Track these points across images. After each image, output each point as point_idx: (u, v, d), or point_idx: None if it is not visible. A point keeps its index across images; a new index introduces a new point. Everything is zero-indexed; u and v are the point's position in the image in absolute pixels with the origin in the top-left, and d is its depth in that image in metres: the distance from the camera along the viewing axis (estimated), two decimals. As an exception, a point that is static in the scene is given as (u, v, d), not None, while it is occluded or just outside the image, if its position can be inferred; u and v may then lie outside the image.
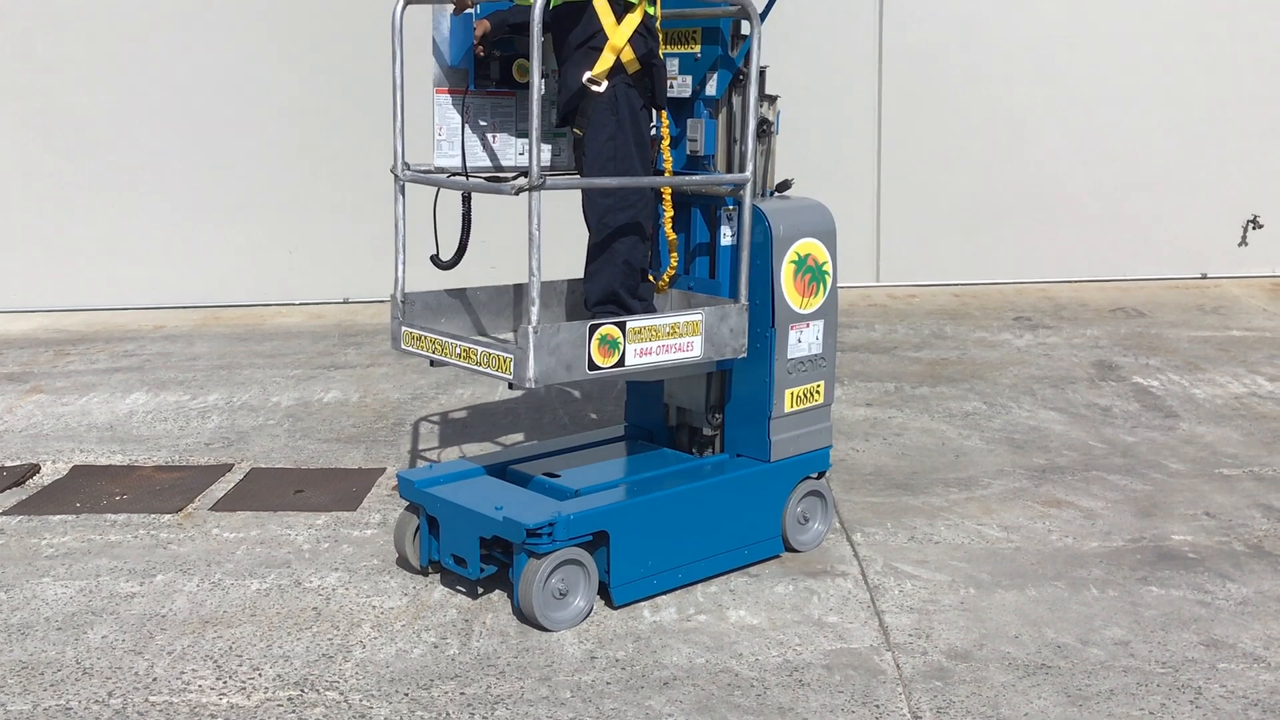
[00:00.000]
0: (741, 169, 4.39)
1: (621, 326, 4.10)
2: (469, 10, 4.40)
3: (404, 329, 4.43)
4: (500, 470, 4.59)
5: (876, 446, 5.89)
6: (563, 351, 3.96)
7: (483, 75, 4.55)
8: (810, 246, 4.64)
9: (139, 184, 9.35)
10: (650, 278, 4.61)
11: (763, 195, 4.78)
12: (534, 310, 3.90)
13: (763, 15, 4.38)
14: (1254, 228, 9.60)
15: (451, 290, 4.72)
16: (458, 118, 4.56)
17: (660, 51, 4.42)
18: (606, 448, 4.95)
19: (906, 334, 8.14)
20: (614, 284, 4.39)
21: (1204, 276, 9.63)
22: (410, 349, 4.41)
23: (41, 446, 6.07)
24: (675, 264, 4.64)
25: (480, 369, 4.10)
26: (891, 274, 9.69)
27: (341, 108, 9.25)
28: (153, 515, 5.10)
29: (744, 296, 4.40)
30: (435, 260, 4.61)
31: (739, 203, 4.40)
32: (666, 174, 4.53)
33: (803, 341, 4.61)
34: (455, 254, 4.63)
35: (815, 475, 4.75)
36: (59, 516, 5.11)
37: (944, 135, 9.49)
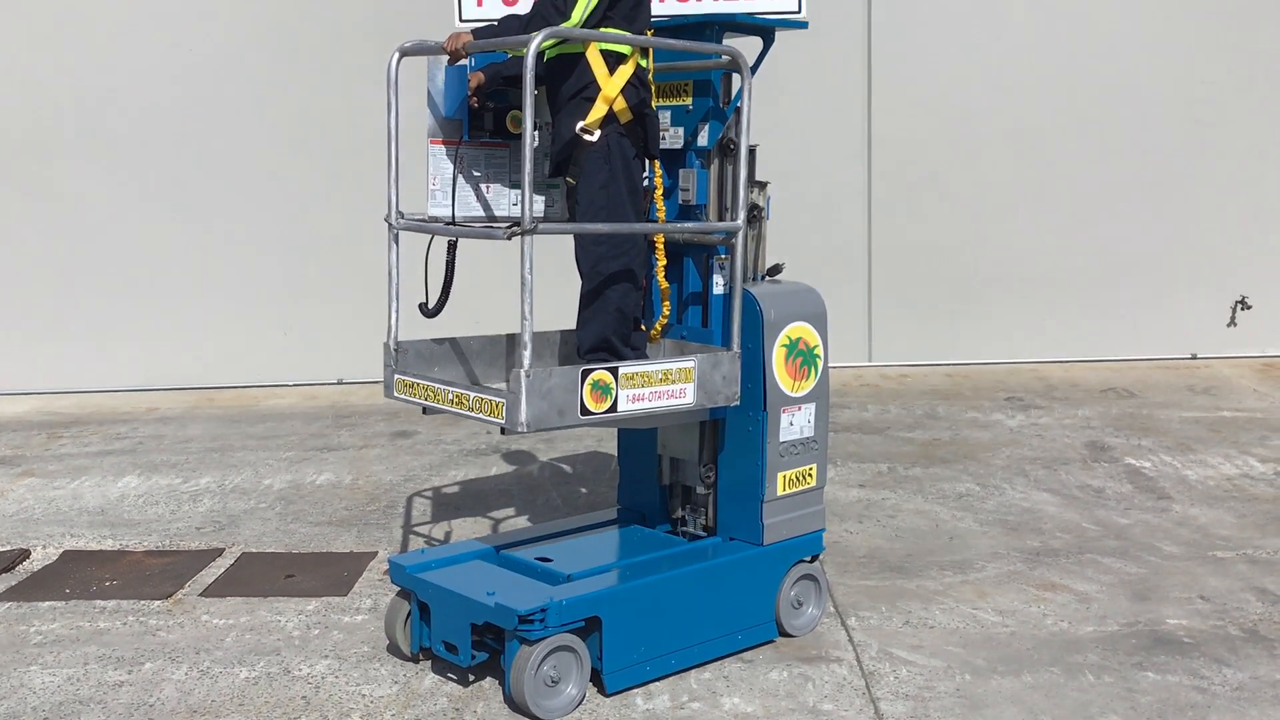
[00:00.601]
0: (734, 217, 4.42)
1: (614, 372, 4.09)
2: (463, 62, 4.45)
3: (396, 376, 4.44)
4: (493, 554, 4.57)
5: (870, 529, 5.88)
6: (555, 396, 3.95)
7: (477, 126, 4.58)
8: (801, 330, 4.67)
9: (134, 267, 9.41)
10: (643, 327, 4.63)
11: (753, 279, 4.82)
12: (526, 354, 3.89)
13: (753, 68, 4.45)
14: (1242, 308, 9.68)
15: (443, 339, 4.73)
16: (450, 167, 4.59)
17: (653, 103, 4.48)
18: (599, 531, 4.94)
19: (899, 414, 8.16)
20: (607, 331, 4.40)
21: (1194, 357, 9.68)
22: (402, 396, 4.41)
23: (32, 531, 6.04)
24: (668, 313, 4.66)
25: (472, 414, 4.08)
26: (883, 354, 9.73)
27: (335, 191, 9.35)
28: (142, 601, 5.07)
29: (736, 344, 4.41)
30: (423, 309, 4.64)
31: (731, 251, 4.43)
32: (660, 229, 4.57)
33: (794, 425, 4.62)
34: (438, 302, 4.63)
35: (809, 558, 4.74)
36: (48, 603, 5.07)
37: (933, 218, 9.59)
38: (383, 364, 4.52)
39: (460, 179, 4.59)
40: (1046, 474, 6.69)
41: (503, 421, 3.96)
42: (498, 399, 3.97)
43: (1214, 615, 4.77)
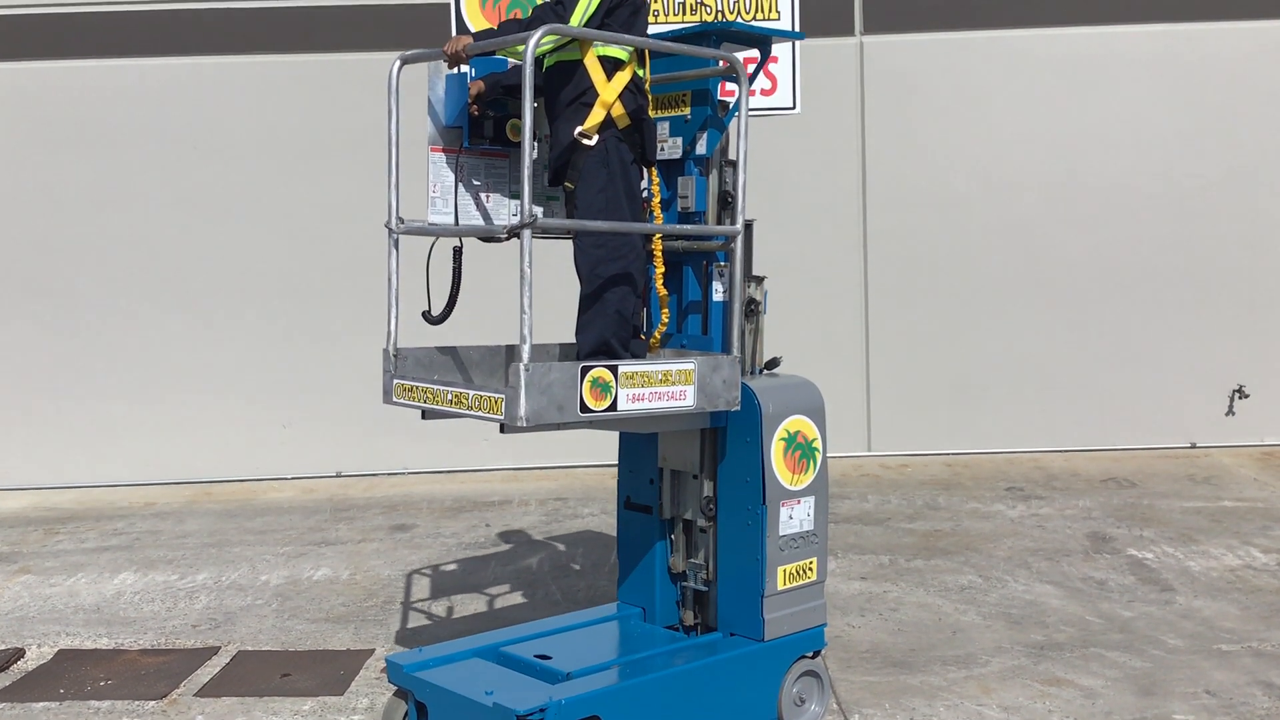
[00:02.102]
0: (732, 222, 4.46)
1: (614, 370, 4.09)
2: (464, 70, 4.51)
3: (395, 381, 4.45)
4: (491, 652, 4.53)
5: (872, 622, 5.83)
6: (554, 391, 3.93)
7: (477, 134, 4.64)
8: (799, 424, 4.68)
9: (134, 361, 9.45)
10: (642, 336, 4.63)
11: (751, 373, 4.85)
12: (525, 349, 3.88)
13: (751, 79, 4.51)
14: (1240, 397, 9.70)
15: (443, 348, 4.72)
16: (451, 176, 4.63)
17: (650, 111, 4.53)
18: (599, 626, 4.89)
19: (899, 505, 8.13)
20: (606, 334, 4.39)
21: (1193, 446, 9.68)
22: (401, 401, 4.41)
23: (27, 630, 5.99)
24: (666, 320, 4.66)
25: (471, 413, 4.07)
26: (883, 443, 9.73)
27: (333, 284, 9.42)
28: (137, 702, 5.01)
29: (736, 349, 4.43)
30: (426, 316, 4.64)
31: (730, 257, 4.44)
32: (658, 235, 4.59)
33: (794, 518, 4.61)
34: (445, 308, 4.64)
35: (810, 654, 4.69)
36: (42, 704, 5.01)
37: (930, 308, 9.65)
38: (382, 370, 4.52)
39: (460, 187, 4.64)
40: (1049, 566, 6.66)
41: (502, 417, 3.93)
42: (496, 395, 3.95)
43: (1221, 711, 4.71)
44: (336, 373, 9.49)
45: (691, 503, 4.82)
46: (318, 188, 9.44)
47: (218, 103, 9.44)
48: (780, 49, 9.45)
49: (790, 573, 4.60)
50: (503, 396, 3.92)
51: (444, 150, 4.63)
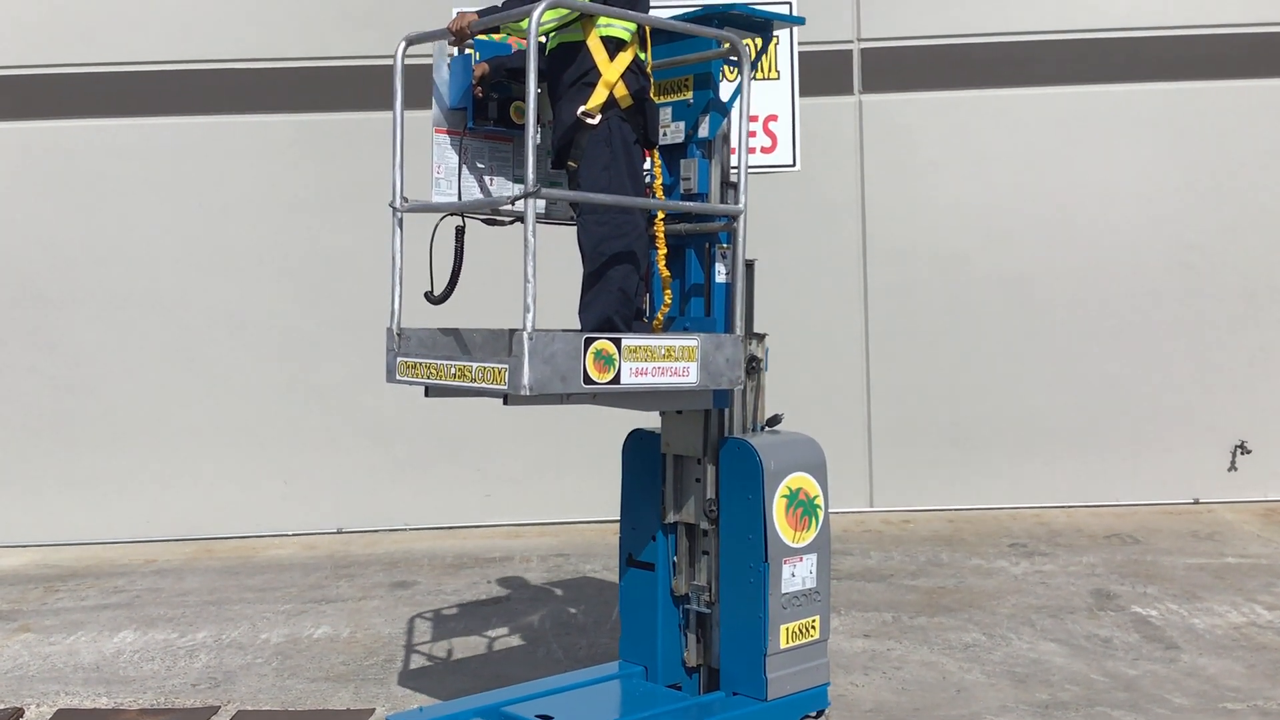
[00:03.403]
0: (735, 202, 4.49)
1: (617, 343, 4.10)
2: (469, 53, 4.56)
3: (399, 359, 4.47)
4: (493, 712, 4.51)
5: (876, 681, 5.79)
6: (558, 361, 3.93)
7: (481, 116, 4.68)
8: (801, 480, 4.69)
9: (136, 418, 9.46)
10: (645, 319, 4.63)
11: (753, 430, 4.86)
12: (529, 317, 3.88)
13: (753, 64, 4.55)
14: (1242, 453, 9.69)
15: (446, 329, 4.73)
16: (455, 158, 4.68)
17: (651, 93, 4.58)
18: (601, 686, 4.87)
19: (902, 561, 8.11)
20: (609, 311, 4.40)
21: (1196, 501, 9.66)
22: (405, 378, 4.44)
23: (26, 689, 5.95)
24: (669, 302, 4.66)
25: (475, 385, 4.07)
26: (885, 499, 9.71)
27: (335, 338, 9.45)
28: (135, 761, 4.97)
29: (739, 328, 4.47)
30: (429, 296, 4.64)
31: (732, 237, 4.47)
32: (660, 218, 4.60)
33: (796, 576, 4.61)
34: (446, 287, 4.65)
35: (814, 714, 4.67)
36: (39, 764, 4.98)
37: (931, 363, 9.67)
38: (385, 349, 4.56)
39: (464, 170, 4.68)
40: (1053, 623, 6.62)
41: (505, 388, 3.94)
42: (500, 365, 3.95)
43: (1228, 770, 4.68)
44: (338, 428, 9.51)
45: (694, 504, 4.80)
46: (319, 243, 9.51)
47: (221, 160, 9.51)
48: (781, 107, 9.57)
49: (793, 631, 4.58)
50: (506, 366, 3.92)
51: (448, 132, 4.69)
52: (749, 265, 4.68)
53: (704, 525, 4.78)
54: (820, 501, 4.73)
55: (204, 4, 9.47)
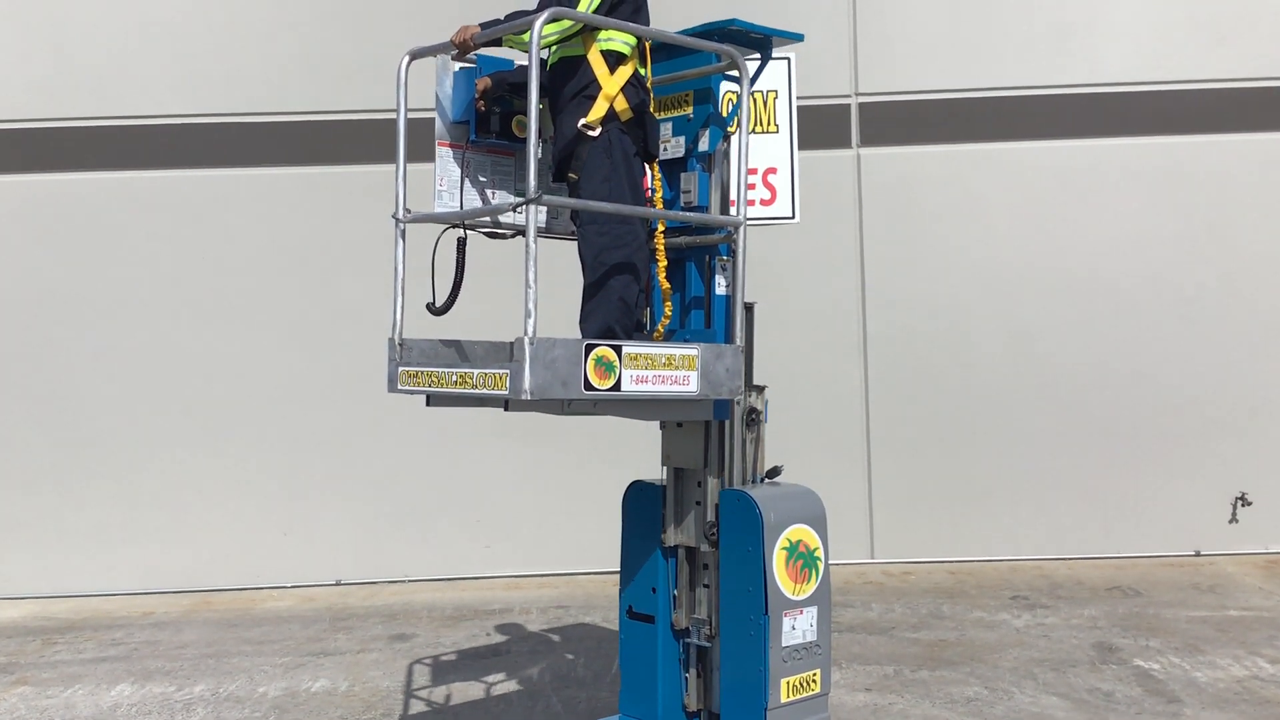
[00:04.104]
0: (738, 213, 4.52)
1: (618, 350, 4.11)
2: (471, 67, 4.62)
3: (400, 369, 4.47)
4: (491, 766, 4.48)
5: (877, 735, 5.76)
6: (559, 367, 3.94)
7: (483, 129, 4.74)
8: (801, 533, 4.68)
9: (135, 469, 9.46)
10: (645, 331, 4.64)
11: (753, 482, 4.87)
12: (530, 322, 3.90)
13: (754, 78, 4.59)
14: (1243, 505, 9.68)
15: (447, 341, 4.75)
16: (458, 171, 4.73)
17: (651, 107, 4.62)
18: (600, 741, 4.84)
19: (904, 613, 8.07)
20: (610, 320, 4.42)
21: (1197, 554, 9.63)
22: (406, 387, 4.44)
23: (21, 742, 5.92)
24: (669, 314, 4.67)
25: (476, 392, 4.07)
26: (886, 550, 9.69)
27: (334, 390, 9.47)
28: (131, 817, 4.94)
29: (739, 339, 4.49)
30: (430, 307, 4.67)
31: (733, 250, 4.48)
32: (660, 230, 4.64)
33: (797, 629, 4.59)
34: (448, 298, 4.68)
35: (815, 768, 4.64)
36: (34, 819, 4.94)
37: (931, 413, 9.68)
38: (387, 358, 4.57)
39: (466, 183, 4.73)
40: (1055, 677, 6.59)
41: (506, 393, 3.94)
42: (501, 371, 3.96)
43: (1232, 826, 4.64)
44: (337, 479, 9.51)
45: (694, 523, 4.80)
46: (321, 294, 9.55)
47: (224, 212, 9.58)
48: (780, 159, 9.63)
49: (794, 685, 4.56)
50: (507, 372, 3.94)
51: (450, 145, 4.74)
52: (749, 308, 4.72)
53: (704, 547, 4.78)
54: (820, 554, 4.73)
55: (207, 57, 9.56)
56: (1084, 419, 9.70)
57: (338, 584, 9.46)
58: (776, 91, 9.81)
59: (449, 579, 9.46)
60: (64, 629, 8.33)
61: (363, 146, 9.52)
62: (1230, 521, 9.72)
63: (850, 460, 9.68)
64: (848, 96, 9.74)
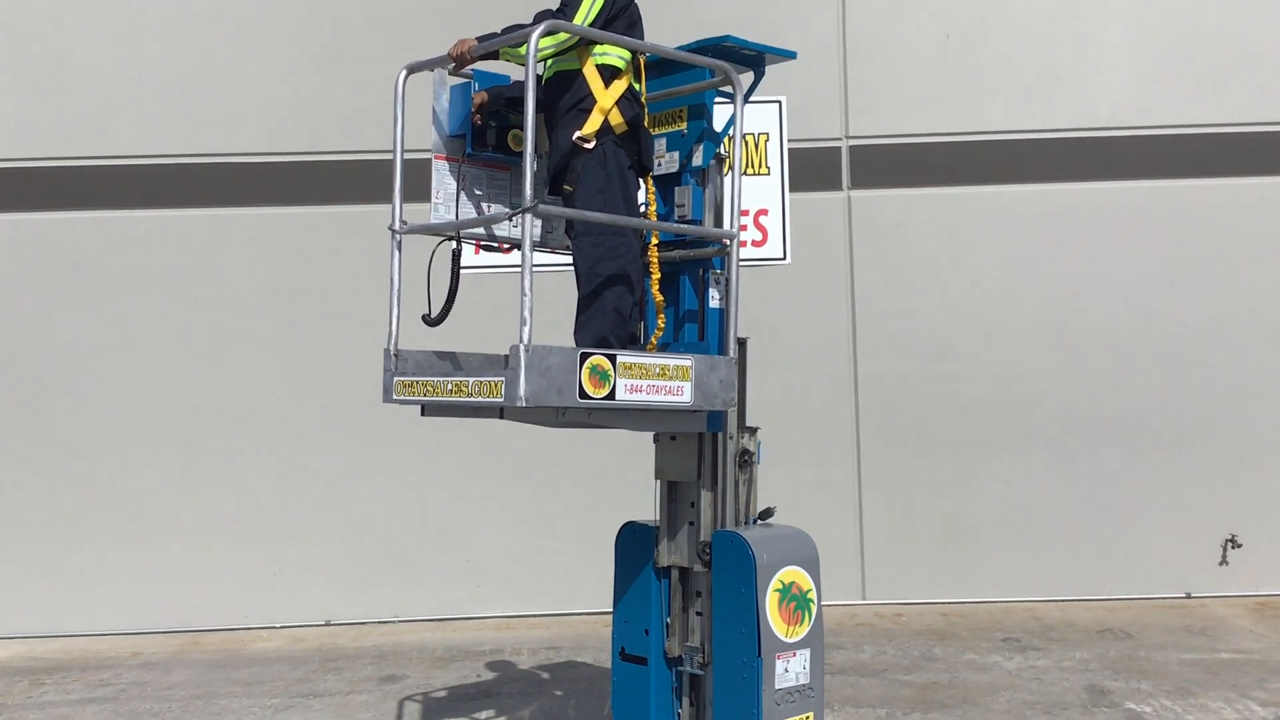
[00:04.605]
0: (732, 226, 4.57)
1: (612, 360, 4.13)
2: (468, 82, 4.68)
3: (395, 379, 4.49)
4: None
5: (869, 778, 5.74)
6: (554, 374, 3.96)
7: (479, 142, 4.80)
8: (794, 574, 4.69)
9: (125, 508, 9.43)
10: (639, 344, 4.67)
11: (745, 523, 4.88)
12: (526, 330, 3.92)
13: (747, 94, 4.63)
14: (1233, 547, 9.69)
15: (441, 353, 4.76)
16: (454, 184, 4.79)
17: (645, 121, 4.67)
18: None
19: (895, 655, 8.06)
20: (605, 330, 4.45)
21: (1188, 596, 9.64)
22: (401, 397, 4.47)
23: (7, 784, 5.87)
24: (663, 326, 4.69)
25: (471, 399, 4.09)
26: (877, 592, 9.67)
27: (325, 429, 9.48)
28: None
29: (732, 350, 4.53)
30: (425, 319, 4.69)
31: (726, 262, 4.53)
32: (654, 243, 4.68)
33: (790, 671, 4.59)
34: (443, 309, 4.70)
35: (807, 812, 4.62)
36: None
37: (922, 455, 9.70)
38: (382, 369, 4.60)
39: (462, 196, 4.77)
40: None
41: (501, 400, 3.95)
42: (496, 379, 3.98)
43: None
44: (327, 518, 9.48)
45: (687, 541, 4.81)
46: (314, 334, 9.56)
47: (217, 252, 9.60)
48: (771, 201, 9.72)
49: (786, 727, 4.56)
50: (503, 379, 3.96)
51: (447, 159, 4.82)
52: (741, 343, 4.75)
53: (697, 568, 4.79)
54: (813, 596, 4.73)
55: (200, 98, 9.61)
56: (1074, 460, 9.73)
57: (327, 624, 9.41)
58: (768, 134, 9.94)
59: (439, 619, 9.43)
60: (52, 669, 8.27)
61: (354, 187, 9.56)
62: (1220, 564, 9.74)
63: (841, 501, 9.68)
64: (838, 139, 9.83)
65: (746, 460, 4.90)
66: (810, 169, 9.71)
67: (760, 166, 9.76)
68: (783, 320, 9.55)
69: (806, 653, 4.65)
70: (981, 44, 9.83)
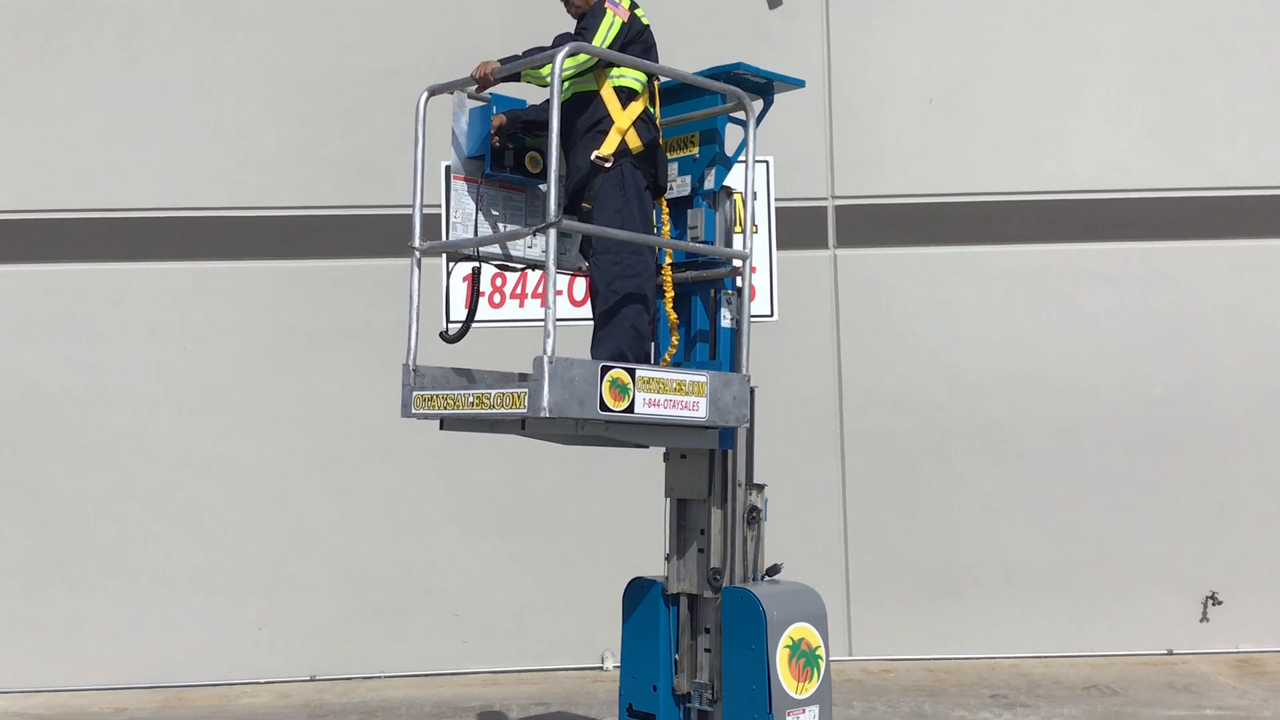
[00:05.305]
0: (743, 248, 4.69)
1: (632, 373, 4.20)
2: (487, 104, 4.80)
3: (415, 393, 4.53)
4: None
5: (869, 835, 5.75)
6: (576, 386, 4.02)
7: (497, 163, 4.91)
8: (803, 631, 4.74)
9: (111, 561, 9.34)
10: (653, 361, 4.74)
11: (753, 579, 4.93)
12: (549, 342, 3.98)
13: (758, 122, 4.77)
14: (1214, 604, 9.80)
15: (459, 369, 4.79)
16: (472, 204, 4.89)
17: (660, 142, 4.78)
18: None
19: (886, 712, 8.08)
20: (622, 346, 4.53)
21: (1170, 652, 9.72)
22: (421, 411, 4.50)
23: (0, 843, 5.79)
24: (676, 344, 4.76)
25: (494, 411, 4.14)
26: (864, 648, 9.70)
27: (313, 483, 9.46)
28: None
29: (745, 368, 4.62)
30: (443, 335, 4.74)
31: (738, 282, 4.65)
32: (667, 263, 4.77)
33: (800, 727, 4.62)
34: (462, 326, 4.79)
35: None
36: None
37: (908, 511, 9.77)
38: (401, 384, 4.63)
39: (480, 216, 4.88)
40: (1041, 775, 6.62)
41: (524, 411, 4.00)
42: (519, 390, 4.03)
43: None
44: (313, 572, 9.44)
45: (696, 567, 4.85)
46: (302, 387, 9.55)
47: (205, 304, 9.59)
48: (759, 259, 9.82)
49: (797, 783, 4.58)
50: (525, 391, 4.01)
51: (466, 179, 4.93)
52: (750, 392, 4.84)
53: (707, 594, 4.82)
54: (822, 652, 4.79)
55: (191, 151, 9.64)
56: (1058, 518, 9.83)
57: (313, 680, 9.34)
58: (756, 194, 10.07)
59: (426, 674, 9.37)
60: (35, 725, 8.17)
61: (345, 241, 9.62)
62: (1201, 620, 9.84)
63: (828, 556, 9.73)
64: (825, 199, 9.97)
65: (755, 517, 4.97)
66: (797, 227, 9.85)
67: (750, 225, 9.87)
68: (770, 376, 9.53)
69: (816, 709, 4.70)
70: (964, 108, 10.03)
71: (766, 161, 9.93)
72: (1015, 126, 10.01)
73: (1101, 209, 9.98)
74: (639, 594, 5.14)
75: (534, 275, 9.01)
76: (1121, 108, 10.04)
